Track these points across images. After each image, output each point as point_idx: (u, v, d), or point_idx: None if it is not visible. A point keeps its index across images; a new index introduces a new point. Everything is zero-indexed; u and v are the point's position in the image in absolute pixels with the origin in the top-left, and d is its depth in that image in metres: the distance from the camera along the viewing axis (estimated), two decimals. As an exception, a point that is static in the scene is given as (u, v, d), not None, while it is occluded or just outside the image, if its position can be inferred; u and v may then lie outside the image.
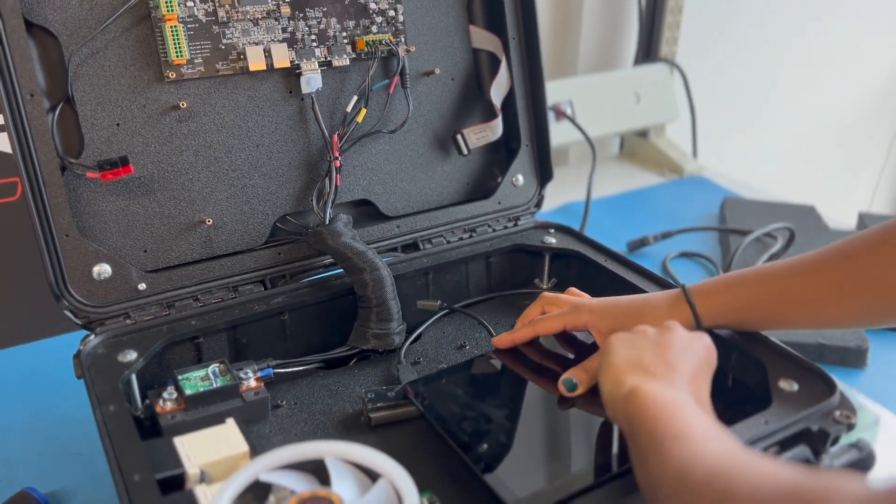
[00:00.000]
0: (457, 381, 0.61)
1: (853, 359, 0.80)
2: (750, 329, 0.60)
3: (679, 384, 0.49)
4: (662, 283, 0.69)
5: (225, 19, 0.65)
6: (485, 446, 0.53)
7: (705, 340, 0.54)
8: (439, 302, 0.72)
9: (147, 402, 0.57)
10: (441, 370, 0.64)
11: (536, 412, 0.58)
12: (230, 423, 0.54)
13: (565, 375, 0.59)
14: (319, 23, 0.69)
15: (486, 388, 0.61)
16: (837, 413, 0.52)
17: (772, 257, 0.97)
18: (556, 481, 0.50)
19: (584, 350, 0.63)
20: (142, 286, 0.63)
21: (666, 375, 0.49)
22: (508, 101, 0.80)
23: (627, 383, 0.49)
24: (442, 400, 0.58)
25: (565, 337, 0.66)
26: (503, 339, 0.65)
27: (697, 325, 0.59)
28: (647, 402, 0.46)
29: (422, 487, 0.47)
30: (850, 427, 0.52)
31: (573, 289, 0.68)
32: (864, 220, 1.12)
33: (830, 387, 0.55)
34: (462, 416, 0.56)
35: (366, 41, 0.71)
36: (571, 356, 0.64)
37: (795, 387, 0.55)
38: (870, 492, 0.33)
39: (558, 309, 0.64)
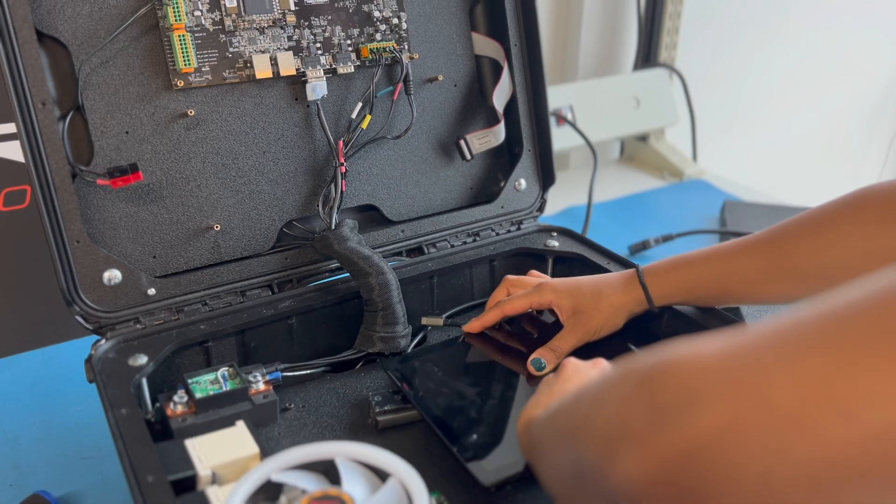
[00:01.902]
0: (431, 360, 0.65)
1: None
2: (699, 305, 0.65)
3: None
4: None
5: (231, 28, 0.66)
6: (454, 420, 0.57)
7: (602, 364, 0.54)
8: (443, 317, 0.74)
9: (158, 405, 0.58)
10: (416, 350, 0.68)
11: (503, 389, 0.62)
12: (240, 426, 0.54)
13: (534, 356, 0.63)
14: (324, 31, 0.70)
15: (457, 368, 0.65)
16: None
17: None
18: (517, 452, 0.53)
19: (549, 330, 0.67)
20: (151, 291, 0.64)
21: None
22: (510, 106, 0.81)
23: (525, 419, 0.49)
24: (416, 377, 0.63)
25: (532, 320, 0.71)
26: (473, 325, 0.69)
27: (649, 302, 0.64)
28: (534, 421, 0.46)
29: (430, 488, 0.47)
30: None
31: (534, 271, 0.73)
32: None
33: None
34: (437, 392, 0.61)
35: (370, 49, 0.72)
36: (535, 335, 0.70)
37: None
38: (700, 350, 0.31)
39: (523, 290, 0.68)
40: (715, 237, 1.11)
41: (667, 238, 1.08)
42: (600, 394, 0.36)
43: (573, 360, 0.54)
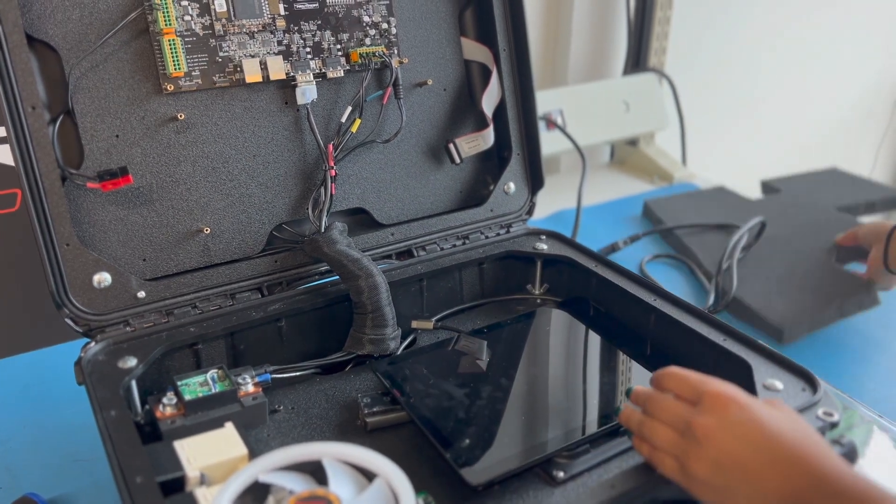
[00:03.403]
0: (420, 363, 0.66)
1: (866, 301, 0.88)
2: None
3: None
4: (653, 287, 0.71)
5: (221, 33, 0.66)
6: (442, 421, 0.57)
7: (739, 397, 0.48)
8: (433, 320, 0.74)
9: (147, 407, 0.58)
10: (405, 353, 0.69)
11: (491, 391, 0.62)
12: (229, 427, 0.55)
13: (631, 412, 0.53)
14: (314, 35, 0.71)
15: (446, 371, 0.65)
16: (821, 411, 0.54)
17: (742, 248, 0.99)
18: (506, 452, 0.54)
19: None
20: (141, 294, 0.64)
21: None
22: (500, 110, 0.81)
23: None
24: (404, 379, 0.63)
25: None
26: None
27: None
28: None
29: (417, 489, 0.48)
30: (833, 425, 0.54)
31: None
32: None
33: (814, 386, 0.56)
34: (425, 393, 0.61)
35: (359, 53, 0.72)
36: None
37: (780, 386, 0.56)
38: None
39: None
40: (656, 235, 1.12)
41: (634, 238, 1.09)
42: None
43: (733, 392, 0.48)
